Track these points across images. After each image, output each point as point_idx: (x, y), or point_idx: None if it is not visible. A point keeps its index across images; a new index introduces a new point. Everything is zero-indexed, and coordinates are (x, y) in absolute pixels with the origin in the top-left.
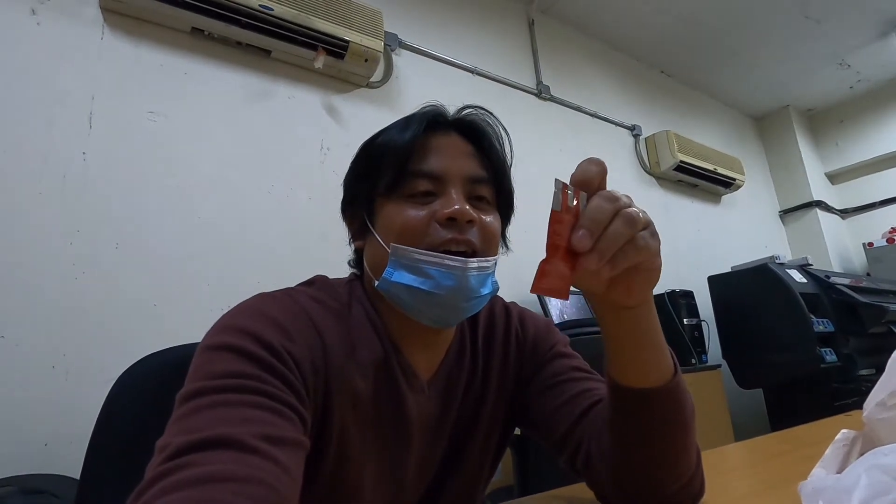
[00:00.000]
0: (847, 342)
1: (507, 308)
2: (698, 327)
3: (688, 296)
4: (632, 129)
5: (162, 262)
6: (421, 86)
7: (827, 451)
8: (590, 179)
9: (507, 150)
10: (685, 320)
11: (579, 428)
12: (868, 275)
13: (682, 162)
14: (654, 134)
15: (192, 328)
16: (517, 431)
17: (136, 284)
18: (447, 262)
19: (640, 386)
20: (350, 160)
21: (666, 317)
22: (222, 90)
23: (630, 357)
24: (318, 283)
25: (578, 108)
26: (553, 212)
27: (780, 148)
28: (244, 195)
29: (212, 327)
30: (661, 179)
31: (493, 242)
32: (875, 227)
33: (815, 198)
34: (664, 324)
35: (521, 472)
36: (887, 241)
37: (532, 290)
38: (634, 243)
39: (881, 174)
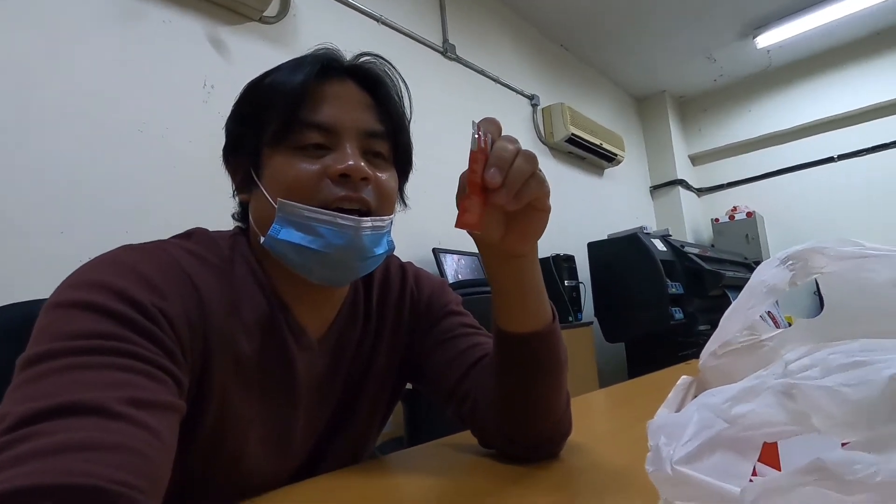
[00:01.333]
0: (692, 303)
1: (403, 268)
2: (576, 289)
3: (570, 260)
4: (531, 98)
5: None
6: (320, 27)
7: (670, 394)
8: (494, 129)
9: (407, 104)
10: (566, 282)
11: (468, 379)
12: (712, 246)
13: (573, 135)
14: (550, 105)
15: (37, 284)
16: (408, 386)
17: None
18: (339, 220)
19: (523, 331)
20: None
21: (549, 278)
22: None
23: (515, 304)
24: (196, 236)
25: (482, 72)
26: (472, 152)
27: (654, 129)
28: (108, 132)
29: (63, 283)
30: (554, 150)
31: (388, 201)
32: (721, 205)
33: (679, 177)
34: (548, 285)
35: (411, 424)
36: (729, 217)
37: (456, 225)
38: (536, 178)
39: (731, 159)
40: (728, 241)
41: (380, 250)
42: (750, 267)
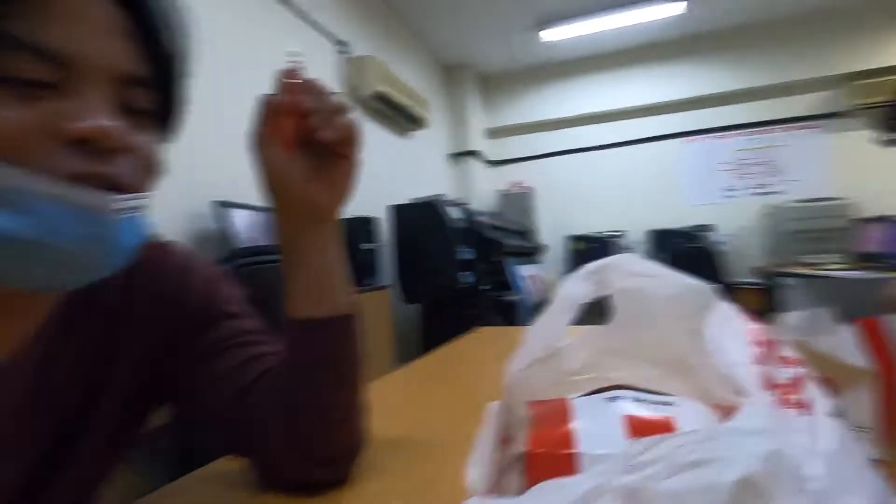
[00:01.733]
0: (478, 267)
1: (164, 250)
2: (373, 252)
3: (368, 222)
4: (342, 44)
5: None
6: None
7: (483, 431)
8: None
9: (186, 36)
10: (365, 244)
11: (248, 397)
12: (498, 215)
13: (381, 92)
14: (361, 56)
15: None
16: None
17: None
18: (78, 197)
19: (321, 315)
20: None
21: (347, 239)
22: None
23: (313, 281)
24: None
25: (286, 1)
26: (286, 80)
27: (457, 99)
28: None
29: None
30: (360, 104)
31: (151, 176)
32: (508, 178)
33: (475, 148)
34: (346, 245)
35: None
36: (512, 190)
37: (287, 151)
38: (349, 116)
39: (516, 138)
40: (511, 211)
41: (134, 240)
42: (524, 235)
